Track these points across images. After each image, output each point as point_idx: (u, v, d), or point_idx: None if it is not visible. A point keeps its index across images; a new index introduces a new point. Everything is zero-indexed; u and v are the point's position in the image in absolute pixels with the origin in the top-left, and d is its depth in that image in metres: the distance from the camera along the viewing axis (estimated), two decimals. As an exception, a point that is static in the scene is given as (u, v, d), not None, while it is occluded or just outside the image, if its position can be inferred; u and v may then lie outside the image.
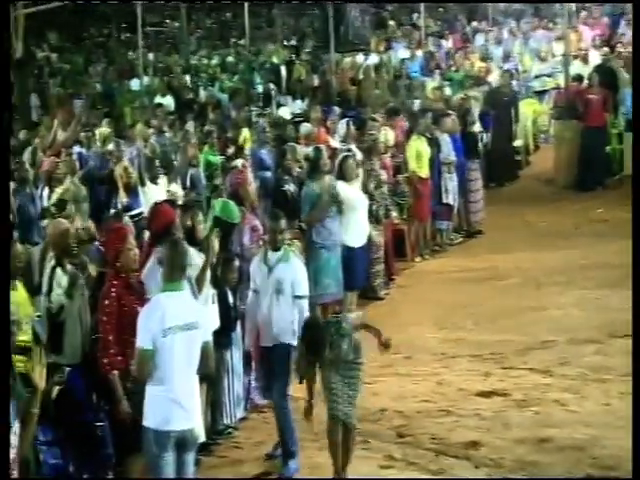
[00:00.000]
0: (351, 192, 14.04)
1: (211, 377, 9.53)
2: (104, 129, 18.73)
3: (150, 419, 8.00)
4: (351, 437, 10.10)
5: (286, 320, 10.22)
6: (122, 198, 14.48)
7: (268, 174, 15.70)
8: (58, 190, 14.32)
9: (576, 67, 23.33)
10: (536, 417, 11.16)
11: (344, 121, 18.99)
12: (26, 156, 15.96)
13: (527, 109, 24.37)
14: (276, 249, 10.48)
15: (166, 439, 8.03)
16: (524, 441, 10.36)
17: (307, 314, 10.42)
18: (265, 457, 10.54)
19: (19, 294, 9.01)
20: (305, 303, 10.44)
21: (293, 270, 10.52)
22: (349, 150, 15.46)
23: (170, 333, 7.97)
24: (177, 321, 8.04)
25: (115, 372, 8.69)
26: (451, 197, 18.48)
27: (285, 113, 22.32)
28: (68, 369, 9.12)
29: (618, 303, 13.59)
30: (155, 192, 14.46)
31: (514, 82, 24.88)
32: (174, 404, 8.04)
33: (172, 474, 8.13)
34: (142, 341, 7.94)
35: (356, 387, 10.00)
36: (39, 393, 8.39)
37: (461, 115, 19.33)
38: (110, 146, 17.42)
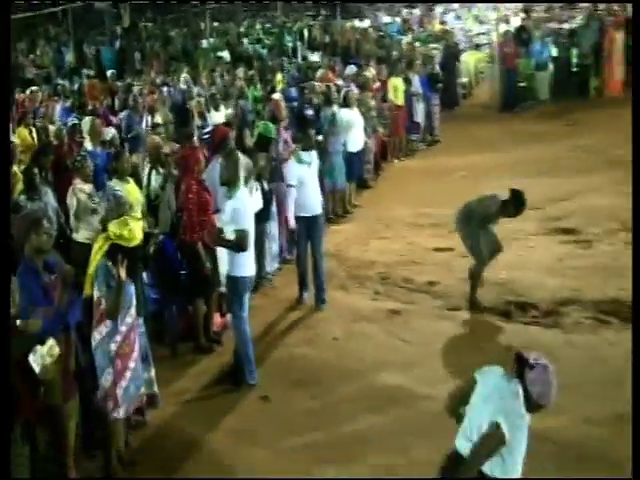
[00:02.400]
0: (352, 115, 14.23)
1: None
2: (184, 75, 18.77)
3: (241, 270, 8.19)
4: None
5: (319, 198, 10.61)
6: (196, 121, 14.37)
7: (295, 104, 15.48)
8: (156, 116, 14.30)
9: (502, 28, 23.31)
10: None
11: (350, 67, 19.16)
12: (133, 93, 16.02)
13: (470, 58, 24.84)
14: (307, 149, 10.47)
15: (248, 282, 8.35)
16: (465, 280, 10.34)
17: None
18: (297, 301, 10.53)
19: (131, 186, 9.34)
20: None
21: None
22: (349, 86, 15.74)
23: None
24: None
25: (199, 242, 8.89)
26: (419, 117, 18.60)
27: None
28: (162, 236, 9.19)
29: (538, 187, 13.42)
30: (217, 117, 14.53)
31: (461, 38, 25.02)
32: (250, 259, 8.32)
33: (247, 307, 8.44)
34: (242, 224, 8.11)
35: None
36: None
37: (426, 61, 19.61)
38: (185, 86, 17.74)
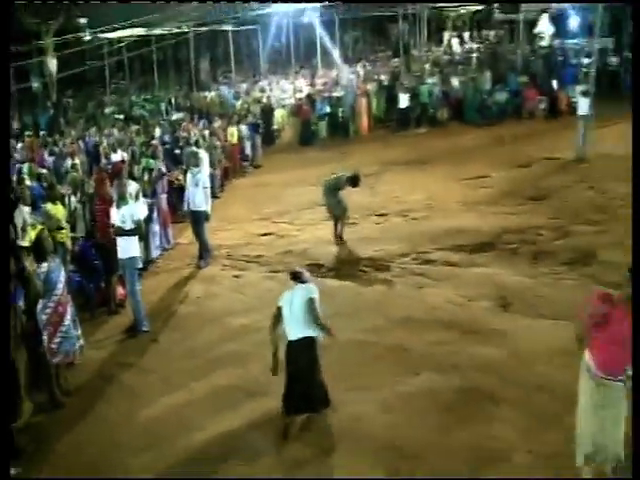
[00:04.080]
0: (202, 152, 12.70)
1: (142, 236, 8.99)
2: (93, 131, 18.76)
3: (133, 253, 8.23)
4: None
5: (202, 199, 10.41)
6: (103, 160, 13.98)
7: (167, 146, 15.22)
8: (75, 159, 13.66)
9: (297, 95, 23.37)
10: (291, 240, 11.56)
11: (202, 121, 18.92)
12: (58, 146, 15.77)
13: (279, 113, 23.48)
14: (195, 166, 10.56)
15: (137, 261, 8.38)
16: (282, 253, 10.67)
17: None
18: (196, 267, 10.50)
19: (59, 207, 9.13)
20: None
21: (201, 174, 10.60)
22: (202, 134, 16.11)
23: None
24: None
25: (107, 240, 8.77)
26: (248, 151, 18.38)
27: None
28: (81, 238, 9.31)
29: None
30: (115, 157, 13.79)
31: (273, 101, 24.89)
32: (137, 246, 8.38)
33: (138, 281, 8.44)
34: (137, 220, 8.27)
35: None
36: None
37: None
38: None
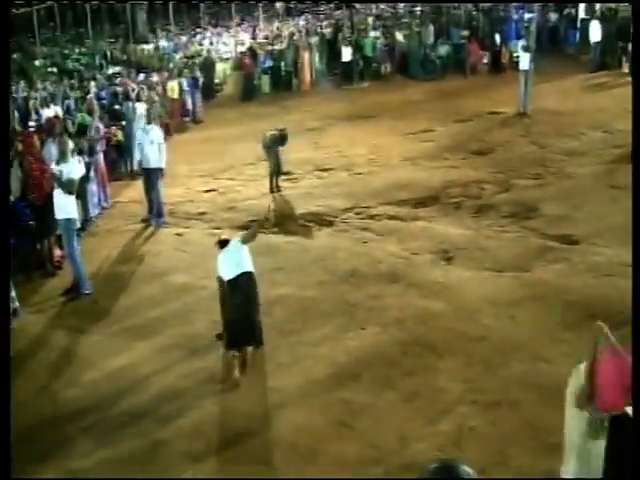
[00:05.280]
0: (141, 107, 13.00)
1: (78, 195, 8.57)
2: (22, 85, 17.81)
3: (71, 214, 7.98)
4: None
5: (157, 156, 10.13)
6: (33, 116, 13.57)
7: (104, 102, 14.90)
8: None
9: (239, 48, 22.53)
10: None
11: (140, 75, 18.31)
12: None
13: (220, 66, 23.27)
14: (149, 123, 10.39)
15: (75, 222, 8.11)
16: (223, 209, 10.61)
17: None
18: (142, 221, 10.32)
19: None
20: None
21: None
22: (141, 88, 15.41)
23: None
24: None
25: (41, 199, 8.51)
26: (189, 106, 18.01)
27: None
28: (13, 198, 8.59)
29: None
30: (48, 112, 13.50)
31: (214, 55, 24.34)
32: (75, 207, 8.14)
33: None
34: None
35: None
36: None
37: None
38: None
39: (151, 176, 10.29)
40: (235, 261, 6.25)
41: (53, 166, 8.11)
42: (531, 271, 7.74)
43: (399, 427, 5.27)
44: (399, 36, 22.86)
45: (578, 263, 7.82)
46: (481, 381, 5.76)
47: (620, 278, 7.10)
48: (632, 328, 3.79)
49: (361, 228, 9.50)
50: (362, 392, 5.73)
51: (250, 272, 6.26)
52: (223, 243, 6.53)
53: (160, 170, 10.27)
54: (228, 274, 6.24)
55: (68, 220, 8.01)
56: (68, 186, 7.96)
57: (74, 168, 8.17)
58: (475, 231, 9.05)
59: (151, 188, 10.34)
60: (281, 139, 11.20)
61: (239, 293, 6.17)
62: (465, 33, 22.16)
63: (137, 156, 10.28)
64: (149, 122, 10.50)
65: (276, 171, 11.44)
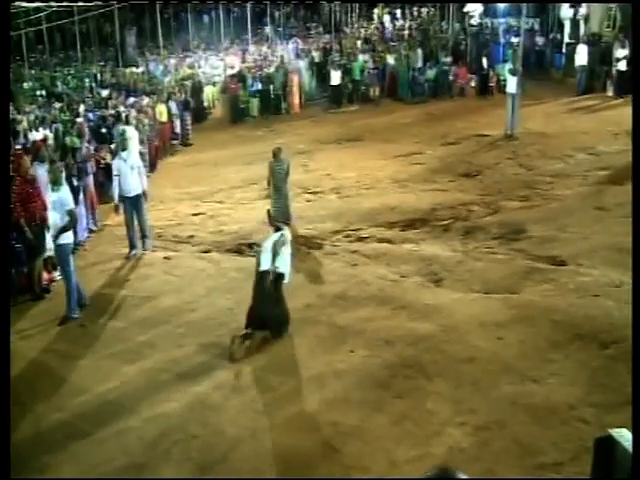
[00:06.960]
0: (131, 130, 12.79)
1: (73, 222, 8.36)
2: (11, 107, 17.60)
3: (66, 239, 7.95)
4: None
5: (138, 183, 9.89)
6: (21, 139, 13.37)
7: (92, 124, 14.81)
8: None
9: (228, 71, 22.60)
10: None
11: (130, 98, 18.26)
12: None
13: (209, 90, 23.72)
14: (124, 149, 9.96)
15: (71, 246, 8.17)
16: (212, 233, 10.66)
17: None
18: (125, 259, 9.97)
19: None
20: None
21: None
22: (129, 111, 15.40)
23: None
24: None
25: (22, 221, 8.36)
26: (178, 129, 18.20)
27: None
28: None
29: (253, 170, 13.25)
30: (37, 135, 13.48)
31: (202, 78, 24.33)
32: (70, 231, 8.08)
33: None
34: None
35: None
36: None
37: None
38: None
39: (136, 204, 9.98)
40: (269, 252, 7.00)
41: (50, 194, 8.10)
42: (519, 292, 7.77)
43: (388, 450, 5.25)
44: (390, 59, 23.15)
45: (565, 284, 7.85)
46: (471, 402, 5.75)
47: (606, 298, 7.17)
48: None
49: (350, 251, 9.52)
50: (351, 415, 5.70)
51: (280, 273, 6.93)
52: (277, 228, 7.61)
53: (143, 194, 10.03)
54: (262, 264, 6.98)
55: (67, 245, 8.03)
56: (68, 212, 7.99)
57: (68, 194, 8.20)
58: (463, 253, 9.10)
59: (138, 214, 10.05)
60: (287, 168, 10.81)
61: (262, 285, 6.90)
62: (448, 60, 22.52)
63: (115, 190, 9.89)
64: (124, 148, 10.06)
65: (286, 216, 10.59)
